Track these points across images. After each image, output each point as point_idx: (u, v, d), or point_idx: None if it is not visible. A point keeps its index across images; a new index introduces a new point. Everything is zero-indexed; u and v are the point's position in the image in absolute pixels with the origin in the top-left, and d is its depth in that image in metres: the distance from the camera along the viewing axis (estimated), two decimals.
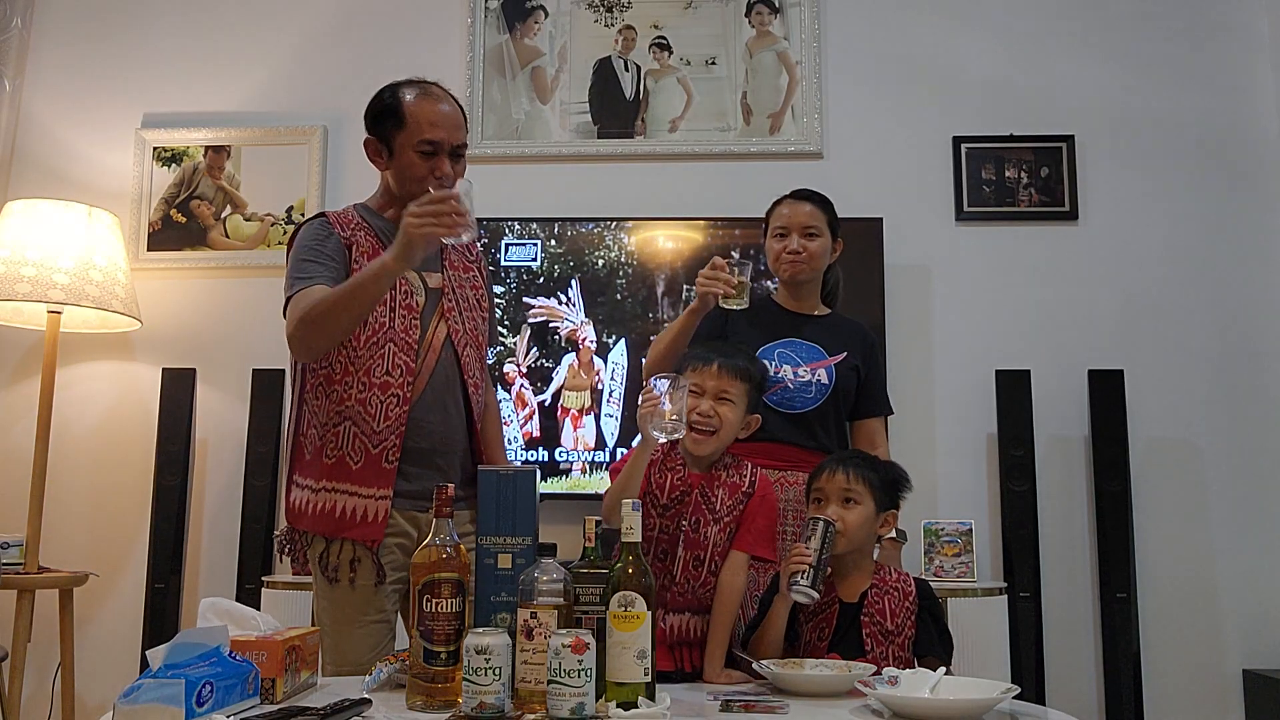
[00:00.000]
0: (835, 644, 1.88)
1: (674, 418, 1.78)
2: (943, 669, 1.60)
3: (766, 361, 2.26)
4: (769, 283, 2.80)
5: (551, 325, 3.30)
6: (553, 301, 3.32)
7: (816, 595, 1.84)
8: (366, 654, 1.89)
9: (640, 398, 1.82)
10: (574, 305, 3.32)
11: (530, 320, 3.31)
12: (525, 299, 3.31)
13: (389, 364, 1.97)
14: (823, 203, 2.43)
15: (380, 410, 1.96)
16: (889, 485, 1.99)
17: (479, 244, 2.28)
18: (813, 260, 2.37)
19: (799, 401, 2.29)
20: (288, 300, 1.96)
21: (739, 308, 2.18)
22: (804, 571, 1.83)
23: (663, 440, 1.81)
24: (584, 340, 3.29)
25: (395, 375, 1.96)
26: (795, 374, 2.31)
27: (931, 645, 1.88)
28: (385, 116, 2.03)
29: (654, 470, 1.94)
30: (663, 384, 1.79)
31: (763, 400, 2.09)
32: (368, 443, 1.95)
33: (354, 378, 1.95)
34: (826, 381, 2.31)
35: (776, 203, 2.46)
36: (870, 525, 1.95)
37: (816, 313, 2.44)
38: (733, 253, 3.30)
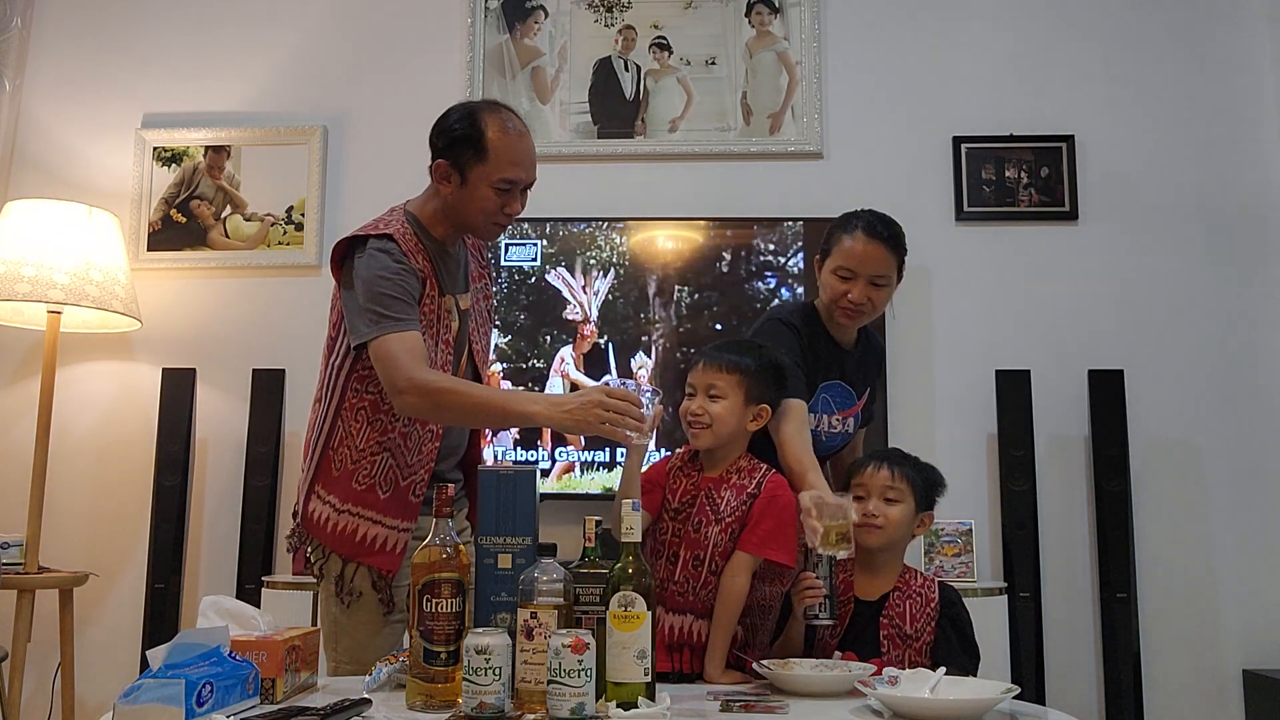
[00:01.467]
0: (851, 643, 1.88)
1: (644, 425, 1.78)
2: (942, 669, 1.60)
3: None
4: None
5: (559, 307, 3.30)
6: (564, 287, 3.32)
7: (835, 621, 1.86)
8: (385, 651, 1.89)
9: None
10: (587, 293, 3.31)
11: (542, 292, 3.31)
12: (521, 297, 3.31)
13: None
14: (896, 244, 2.11)
15: (417, 444, 1.95)
16: (929, 486, 2.00)
17: (488, 252, 2.26)
18: (875, 311, 2.15)
19: (821, 449, 2.13)
20: (374, 337, 1.85)
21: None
22: (821, 604, 1.84)
23: (637, 442, 1.81)
24: (586, 330, 3.28)
25: None
26: (829, 423, 2.18)
27: (952, 654, 1.86)
28: (464, 145, 1.95)
29: (670, 476, 1.96)
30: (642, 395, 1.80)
31: (772, 395, 1.97)
32: (399, 475, 1.94)
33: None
34: (851, 430, 2.24)
35: (844, 229, 2.12)
36: (909, 524, 1.96)
37: (854, 342, 2.25)
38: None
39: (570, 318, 3.30)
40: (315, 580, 2.01)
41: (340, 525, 1.94)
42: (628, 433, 1.75)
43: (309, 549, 1.99)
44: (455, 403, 1.84)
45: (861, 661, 1.77)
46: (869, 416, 2.33)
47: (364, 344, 1.88)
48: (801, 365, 2.09)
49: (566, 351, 3.29)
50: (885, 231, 2.11)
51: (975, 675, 1.87)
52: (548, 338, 3.30)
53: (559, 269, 3.32)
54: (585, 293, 3.31)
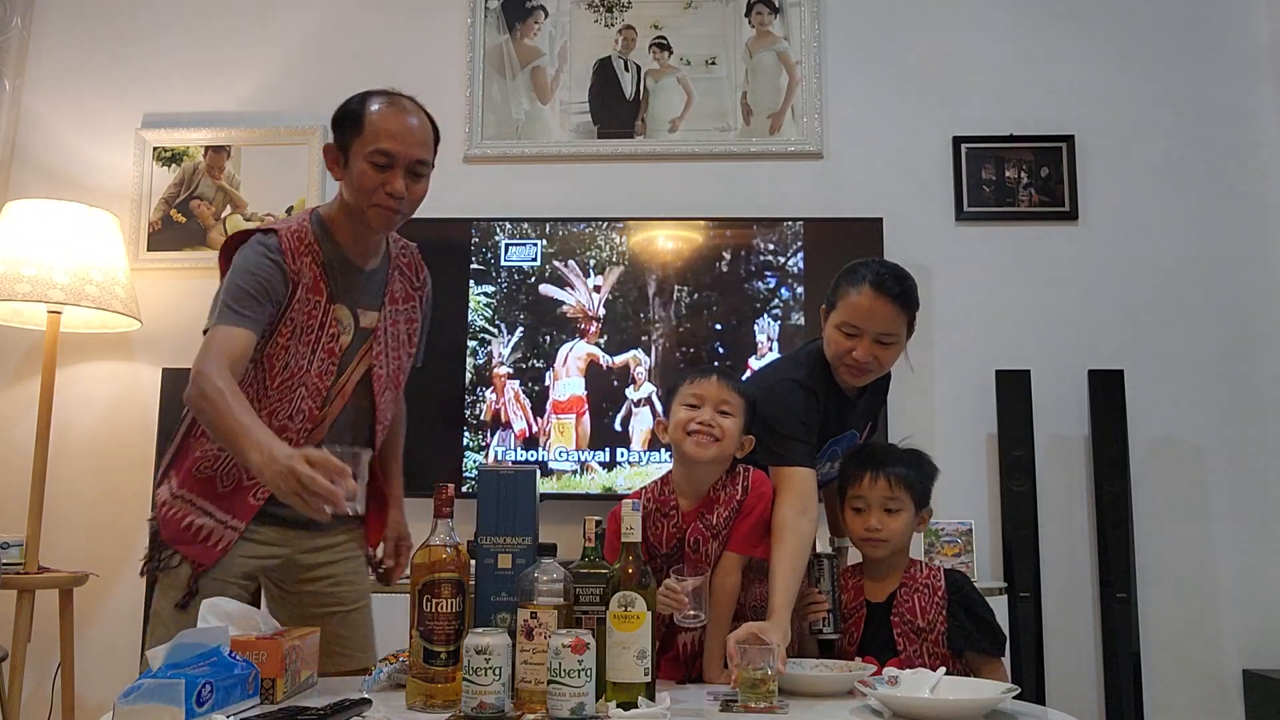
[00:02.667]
0: (866, 646, 1.88)
1: (691, 612, 1.73)
2: (942, 669, 1.60)
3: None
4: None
5: (560, 307, 3.30)
6: (565, 292, 3.31)
7: (840, 635, 1.85)
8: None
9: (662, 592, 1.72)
10: (588, 292, 3.31)
11: (539, 297, 3.31)
12: (521, 296, 3.31)
13: (293, 409, 1.87)
14: (907, 300, 1.95)
15: None
16: (924, 481, 1.99)
17: (426, 273, 2.13)
18: (881, 369, 2.03)
19: (822, 479, 2.09)
20: (209, 327, 1.83)
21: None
22: (824, 618, 1.84)
23: (689, 625, 1.77)
24: (590, 329, 3.28)
25: (295, 420, 1.87)
26: (832, 468, 2.11)
27: (969, 638, 1.86)
28: (345, 122, 1.94)
29: (650, 522, 1.88)
30: (688, 584, 1.73)
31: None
32: (244, 473, 1.85)
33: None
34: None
35: (850, 281, 1.98)
36: (910, 528, 1.96)
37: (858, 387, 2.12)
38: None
39: (571, 316, 3.30)
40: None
41: (172, 510, 1.89)
42: (325, 507, 1.59)
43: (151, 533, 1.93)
44: (210, 413, 1.72)
45: (880, 663, 1.77)
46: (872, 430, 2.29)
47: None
48: (814, 430, 1.98)
49: (580, 348, 3.27)
50: (896, 288, 1.95)
51: (1002, 657, 1.87)
52: (547, 338, 3.30)
53: (564, 265, 3.32)
54: (588, 290, 3.31)
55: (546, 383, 3.27)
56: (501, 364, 3.28)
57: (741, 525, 1.86)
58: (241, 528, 1.87)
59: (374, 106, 1.96)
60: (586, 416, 3.25)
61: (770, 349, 3.24)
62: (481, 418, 3.26)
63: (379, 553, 2.10)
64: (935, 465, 2.05)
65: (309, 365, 1.88)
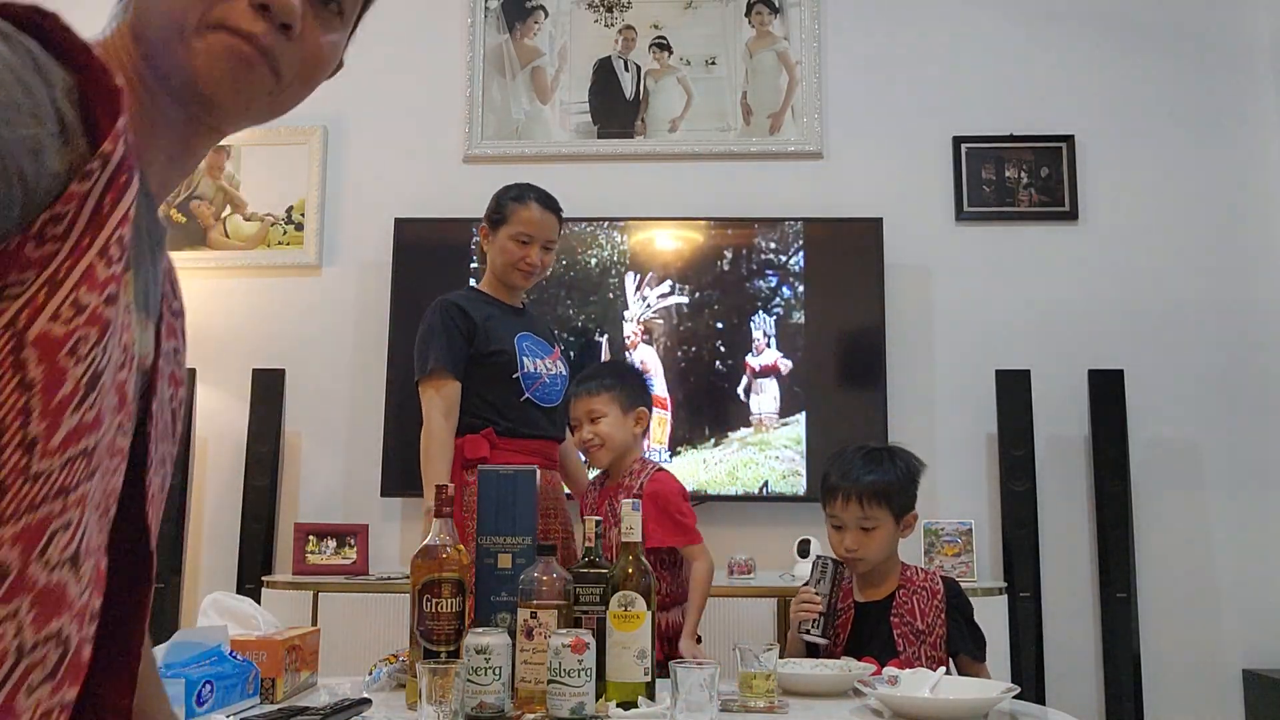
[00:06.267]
0: (865, 645, 1.88)
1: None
2: (942, 670, 1.60)
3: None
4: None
5: (558, 305, 3.30)
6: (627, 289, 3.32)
7: (828, 641, 1.85)
8: None
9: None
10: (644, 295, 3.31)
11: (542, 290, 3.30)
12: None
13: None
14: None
15: None
16: (905, 489, 1.97)
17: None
18: (544, 270, 2.42)
19: (549, 392, 2.37)
20: None
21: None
22: (815, 620, 1.84)
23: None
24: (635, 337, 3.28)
25: None
26: (546, 365, 2.39)
27: (963, 642, 1.88)
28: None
29: (587, 498, 2.26)
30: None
31: (644, 399, 2.27)
32: None
33: None
34: (566, 373, 2.42)
35: (516, 200, 2.38)
36: (892, 540, 1.95)
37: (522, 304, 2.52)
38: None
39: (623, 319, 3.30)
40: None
41: None
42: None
43: None
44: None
45: (879, 662, 1.77)
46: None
47: None
48: (461, 333, 2.30)
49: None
50: (556, 203, 2.41)
51: (985, 660, 1.89)
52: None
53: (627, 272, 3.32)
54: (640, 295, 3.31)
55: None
56: None
57: (646, 524, 1.88)
58: None
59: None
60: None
61: (769, 346, 3.24)
62: None
63: None
64: (917, 464, 2.01)
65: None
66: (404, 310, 3.20)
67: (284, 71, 0.78)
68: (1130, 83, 3.49)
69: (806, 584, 1.90)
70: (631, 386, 2.25)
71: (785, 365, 3.25)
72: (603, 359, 3.27)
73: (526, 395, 2.31)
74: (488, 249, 2.45)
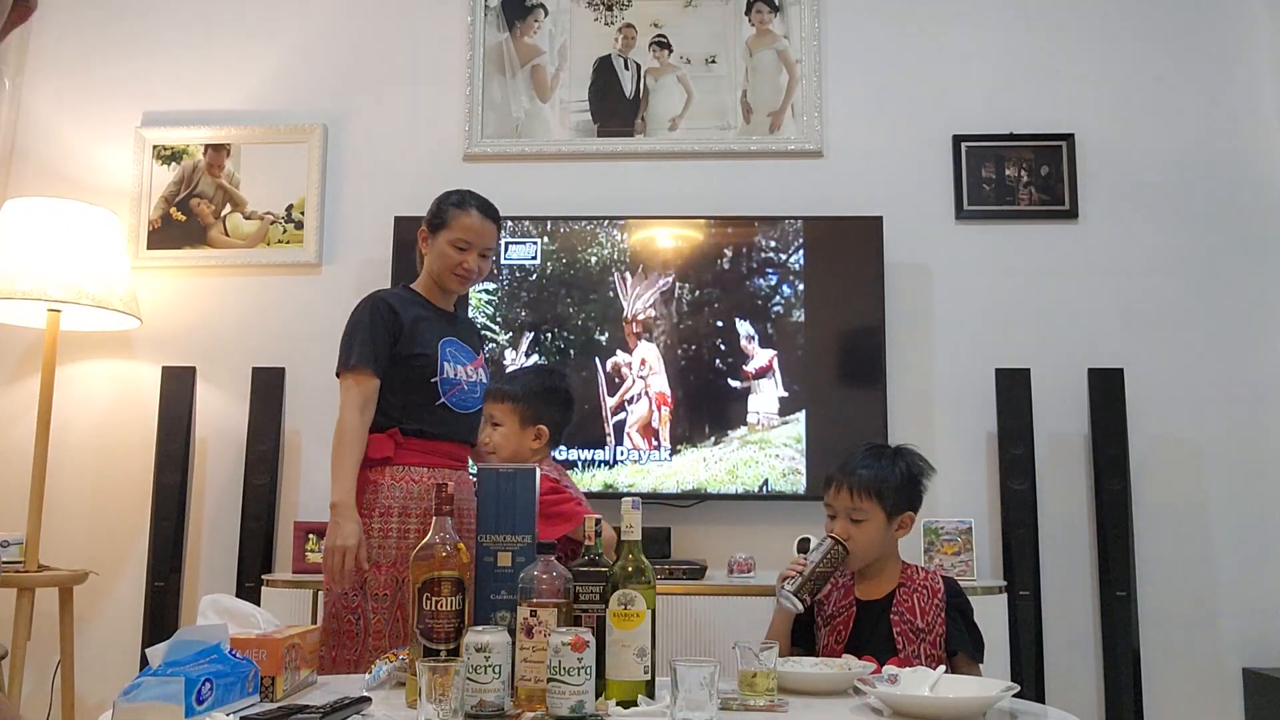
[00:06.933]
0: (864, 643, 1.89)
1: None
2: (942, 668, 1.60)
3: None
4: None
5: (558, 305, 3.30)
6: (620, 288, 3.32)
7: (798, 606, 1.85)
8: None
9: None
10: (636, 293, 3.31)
11: (542, 290, 3.30)
12: (522, 294, 3.31)
13: None
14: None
15: None
16: (902, 487, 1.98)
17: None
18: (481, 277, 2.46)
19: (468, 399, 2.39)
20: None
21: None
22: (791, 579, 1.85)
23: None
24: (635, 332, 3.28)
25: None
26: (467, 372, 2.41)
27: (962, 641, 1.89)
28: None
29: None
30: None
31: (552, 416, 2.30)
32: None
33: None
34: (485, 379, 2.46)
35: (457, 206, 2.43)
36: (881, 536, 1.95)
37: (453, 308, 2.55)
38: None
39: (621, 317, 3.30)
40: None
41: None
42: None
43: None
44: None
45: (879, 660, 1.77)
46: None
47: None
48: (388, 332, 2.32)
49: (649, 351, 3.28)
50: (496, 212, 2.46)
51: (982, 661, 1.90)
52: (548, 335, 3.30)
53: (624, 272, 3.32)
54: (632, 292, 3.31)
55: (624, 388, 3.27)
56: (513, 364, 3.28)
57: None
58: None
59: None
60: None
61: (758, 347, 3.24)
62: None
63: None
64: (922, 465, 2.03)
65: None
66: None
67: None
68: (1130, 81, 3.49)
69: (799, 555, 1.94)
70: (539, 403, 2.27)
71: (779, 361, 3.24)
72: (602, 359, 3.27)
73: (443, 400, 2.34)
74: (425, 252, 2.47)
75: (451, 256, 2.39)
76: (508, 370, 3.14)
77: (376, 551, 2.24)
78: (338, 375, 2.34)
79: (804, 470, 3.18)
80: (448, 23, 3.63)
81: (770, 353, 3.25)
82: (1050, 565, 3.18)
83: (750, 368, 3.24)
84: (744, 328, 3.26)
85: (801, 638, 2.00)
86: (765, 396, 3.23)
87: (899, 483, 1.97)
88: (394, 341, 2.33)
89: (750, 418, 3.22)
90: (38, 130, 3.64)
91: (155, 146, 3.60)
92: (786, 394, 3.23)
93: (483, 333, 3.27)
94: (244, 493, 3.24)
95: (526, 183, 3.53)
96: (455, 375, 2.37)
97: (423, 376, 2.34)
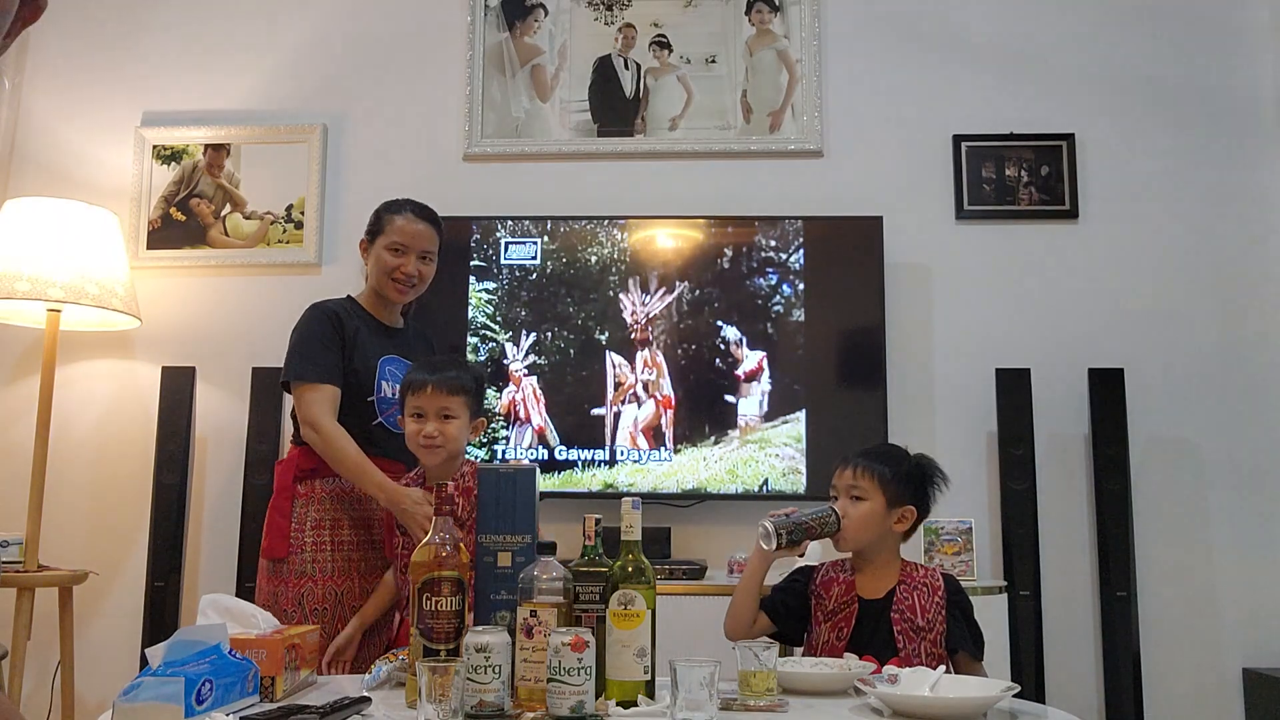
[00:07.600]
0: (865, 642, 1.88)
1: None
2: (942, 668, 1.60)
3: None
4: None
5: (558, 305, 3.30)
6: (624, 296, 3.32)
7: (771, 540, 1.88)
8: None
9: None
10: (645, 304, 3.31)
11: (543, 289, 3.30)
12: (522, 294, 3.31)
13: None
14: (438, 223, 2.43)
15: None
16: (907, 479, 1.97)
17: None
18: (423, 283, 2.44)
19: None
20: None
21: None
22: (778, 517, 1.88)
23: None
24: (643, 331, 3.28)
25: None
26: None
27: (963, 640, 1.89)
28: None
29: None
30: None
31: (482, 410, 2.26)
32: None
33: None
34: None
35: (392, 211, 2.43)
36: (877, 521, 1.94)
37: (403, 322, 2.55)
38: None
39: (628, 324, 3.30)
40: None
41: None
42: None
43: None
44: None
45: (879, 659, 1.77)
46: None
47: None
48: (338, 342, 2.32)
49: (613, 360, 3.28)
50: (431, 214, 2.44)
51: (982, 659, 1.90)
52: (548, 334, 3.30)
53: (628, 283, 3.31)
54: (640, 303, 3.31)
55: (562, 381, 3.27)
56: (515, 361, 3.28)
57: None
58: None
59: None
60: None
61: (748, 349, 3.24)
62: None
63: None
64: (932, 469, 2.03)
65: None
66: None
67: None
68: (1130, 81, 3.49)
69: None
70: (481, 395, 2.25)
71: (779, 361, 3.24)
72: (604, 359, 3.27)
73: (379, 420, 2.31)
74: (366, 262, 2.45)
75: (388, 261, 2.37)
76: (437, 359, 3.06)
77: (311, 565, 2.23)
78: (284, 384, 2.33)
79: (804, 470, 3.18)
80: (447, 23, 3.63)
81: (759, 354, 3.24)
82: (1050, 565, 3.18)
83: (749, 368, 3.24)
84: (731, 333, 3.26)
85: (792, 633, 2.00)
86: (751, 401, 3.23)
87: (903, 473, 1.98)
88: (342, 353, 2.31)
89: (751, 418, 3.22)
90: (38, 130, 3.64)
91: (155, 146, 3.60)
92: (785, 394, 3.23)
93: (482, 331, 3.28)
94: (244, 493, 3.24)
95: (526, 182, 3.53)
96: (392, 394, 2.32)
97: (359, 394, 2.31)
